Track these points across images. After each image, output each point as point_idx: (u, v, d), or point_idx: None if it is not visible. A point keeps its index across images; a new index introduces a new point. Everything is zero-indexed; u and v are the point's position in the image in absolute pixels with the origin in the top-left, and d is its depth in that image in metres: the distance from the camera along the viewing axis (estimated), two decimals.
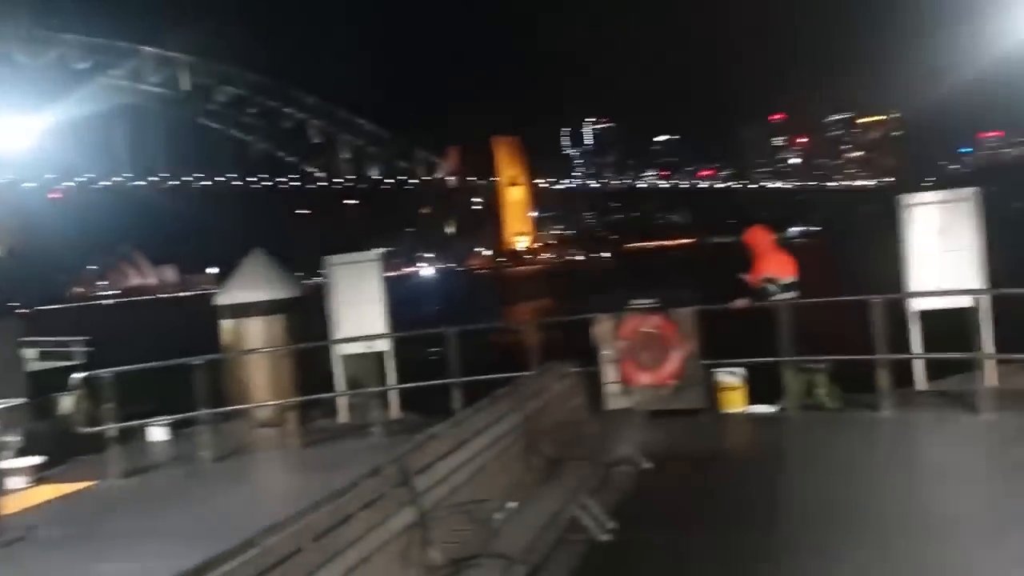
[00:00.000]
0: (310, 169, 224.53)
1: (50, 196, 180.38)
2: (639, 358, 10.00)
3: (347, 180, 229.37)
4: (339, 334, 11.76)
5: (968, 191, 10.00)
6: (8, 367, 12.25)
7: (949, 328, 9.35)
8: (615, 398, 9.96)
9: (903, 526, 5.81)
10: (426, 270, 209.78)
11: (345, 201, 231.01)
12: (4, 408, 8.13)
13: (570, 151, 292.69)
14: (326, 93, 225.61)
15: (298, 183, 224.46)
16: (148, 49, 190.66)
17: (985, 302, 9.10)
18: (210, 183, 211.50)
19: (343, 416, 11.81)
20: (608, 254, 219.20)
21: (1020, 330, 9.35)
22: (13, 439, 8.76)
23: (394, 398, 11.67)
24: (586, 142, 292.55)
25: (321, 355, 11.90)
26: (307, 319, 12.48)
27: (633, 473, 7.39)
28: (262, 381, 11.92)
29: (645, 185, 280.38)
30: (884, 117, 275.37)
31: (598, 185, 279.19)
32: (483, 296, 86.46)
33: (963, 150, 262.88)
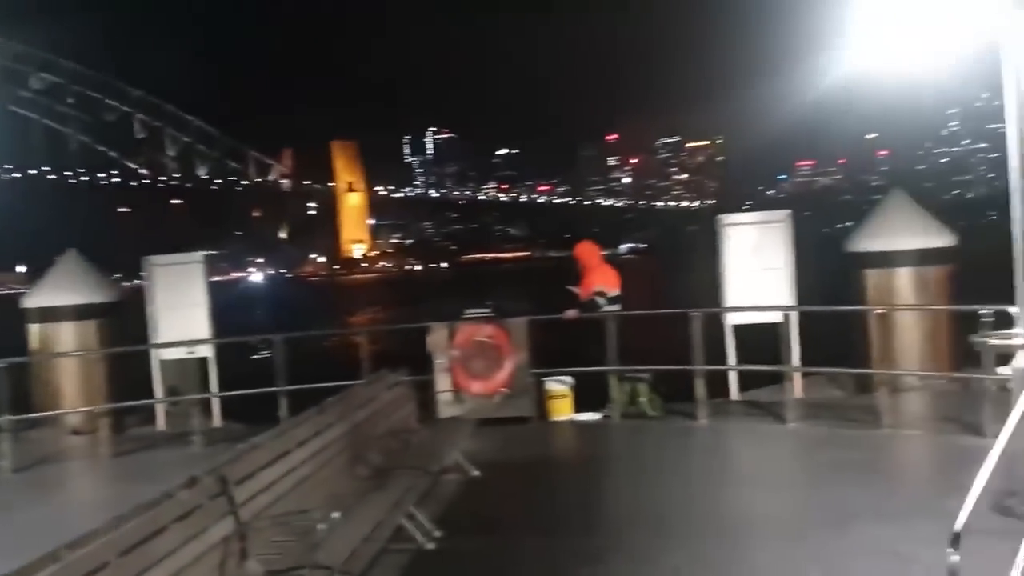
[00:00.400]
0: (133, 165, 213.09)
1: None
2: (471, 367, 10.09)
3: (173, 178, 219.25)
4: (159, 338, 11.19)
5: (780, 214, 10.75)
6: None
7: (765, 342, 9.98)
8: (447, 406, 9.99)
9: (715, 529, 6.12)
10: (256, 275, 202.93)
11: (171, 201, 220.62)
12: None
13: (411, 159, 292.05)
14: (155, 88, 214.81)
15: (120, 180, 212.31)
16: None
17: (793, 318, 9.76)
18: (19, 175, 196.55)
19: (161, 424, 11.24)
20: (446, 264, 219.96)
21: (826, 345, 10.13)
22: None
23: (216, 406, 11.21)
24: (428, 151, 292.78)
25: (139, 360, 11.29)
26: (124, 323, 11.79)
27: (461, 481, 7.45)
28: (73, 387, 11.17)
29: (485, 197, 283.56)
30: (709, 142, 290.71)
31: (438, 195, 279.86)
32: (316, 303, 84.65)
33: (780, 177, 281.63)
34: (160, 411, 11.26)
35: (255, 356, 12.98)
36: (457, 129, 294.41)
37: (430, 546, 5.77)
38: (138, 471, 9.21)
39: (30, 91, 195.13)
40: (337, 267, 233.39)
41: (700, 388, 9.54)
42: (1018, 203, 5.52)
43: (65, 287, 11.53)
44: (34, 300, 11.63)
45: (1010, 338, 5.87)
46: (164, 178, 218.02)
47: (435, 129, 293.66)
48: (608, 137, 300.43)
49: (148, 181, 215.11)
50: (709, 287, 10.79)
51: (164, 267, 11.45)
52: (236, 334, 13.53)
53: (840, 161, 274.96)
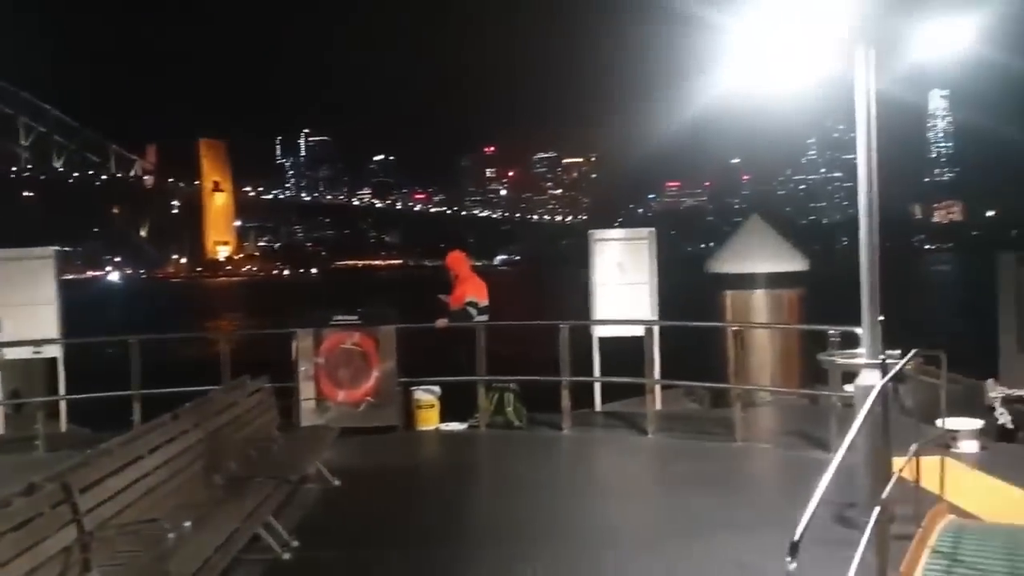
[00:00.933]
0: None
1: None
2: (337, 374, 9.92)
3: (26, 170, 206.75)
4: (1, 337, 10.50)
5: (646, 231, 11.14)
6: None
7: (629, 355, 10.24)
8: (310, 414, 9.78)
9: (573, 538, 6.23)
10: (113, 275, 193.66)
11: (23, 193, 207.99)
12: None
13: (283, 161, 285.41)
14: (10, 73, 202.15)
15: None
16: None
17: (654, 332, 10.07)
18: None
19: (0, 427, 10.54)
20: (315, 270, 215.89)
21: (685, 360, 10.49)
22: None
23: (63, 409, 10.60)
24: (301, 153, 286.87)
25: None
26: None
27: (321, 491, 7.31)
28: None
29: (359, 203, 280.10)
30: (584, 159, 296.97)
31: (310, 199, 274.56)
32: (176, 306, 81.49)
33: (650, 196, 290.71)
34: None
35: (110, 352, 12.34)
36: (332, 132, 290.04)
37: (286, 556, 5.64)
38: None
39: None
40: (200, 269, 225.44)
41: (565, 399, 9.71)
42: (865, 230, 5.88)
43: None
44: None
45: (854, 357, 6.23)
46: (15, 169, 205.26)
47: (309, 131, 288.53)
48: (486, 149, 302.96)
49: None
50: (578, 300, 11.03)
51: (9, 262, 10.77)
52: (90, 335, 12.87)
53: (706, 184, 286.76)
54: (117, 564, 4.26)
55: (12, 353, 10.43)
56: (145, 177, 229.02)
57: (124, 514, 4.48)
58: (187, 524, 4.41)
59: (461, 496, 7.42)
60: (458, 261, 10.48)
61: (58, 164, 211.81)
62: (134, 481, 4.83)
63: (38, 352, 10.42)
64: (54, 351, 10.51)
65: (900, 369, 5.46)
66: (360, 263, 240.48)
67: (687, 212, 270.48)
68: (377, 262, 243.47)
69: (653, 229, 11.19)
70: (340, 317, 10.19)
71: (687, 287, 11.83)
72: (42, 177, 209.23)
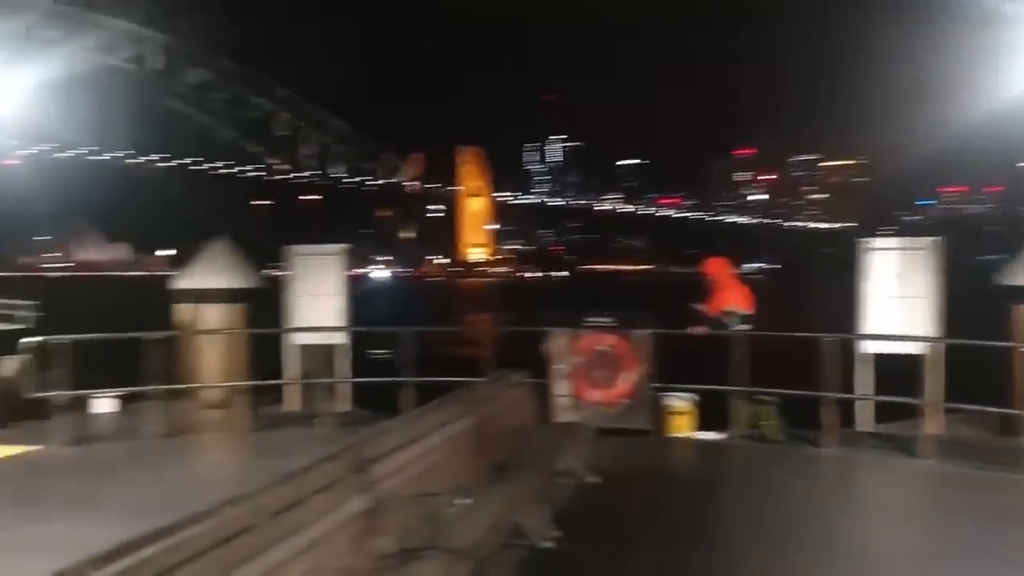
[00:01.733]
0: (271, 160, 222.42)
1: (6, 162, 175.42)
2: (592, 375, 10.11)
3: (308, 175, 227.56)
4: (295, 324, 11.69)
5: (927, 240, 10.24)
6: None
7: (899, 373, 9.59)
8: (564, 411, 10.04)
9: (832, 554, 5.99)
10: (379, 272, 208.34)
11: (302, 196, 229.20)
12: None
13: (532, 167, 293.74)
14: (297, 86, 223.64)
15: (258, 173, 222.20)
16: (119, 22, 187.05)
17: (936, 350, 9.33)
18: (172, 164, 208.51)
19: (291, 404, 11.74)
20: (565, 273, 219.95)
21: (965, 381, 9.64)
22: None
23: (344, 391, 11.62)
24: (549, 159, 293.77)
25: (272, 344, 11.82)
26: (265, 309, 12.38)
27: (578, 486, 7.49)
28: (212, 364, 11.79)
29: (606, 208, 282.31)
30: (849, 162, 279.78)
31: (559, 204, 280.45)
32: (435, 303, 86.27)
33: (922, 202, 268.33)
34: (292, 392, 11.76)
35: (373, 353, 13.35)
36: (582, 138, 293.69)
37: (547, 545, 5.84)
38: (269, 447, 9.68)
39: (184, 85, 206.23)
40: (455, 269, 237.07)
41: (828, 416, 9.26)
42: None
43: (215, 271, 12.20)
44: (185, 281, 12.33)
45: None
46: (300, 174, 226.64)
47: (560, 137, 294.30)
48: (739, 151, 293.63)
49: (284, 176, 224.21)
50: (843, 312, 10.45)
51: (306, 257, 11.97)
52: (360, 327, 14.00)
53: (991, 189, 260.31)
54: (402, 533, 4.63)
55: (303, 339, 11.60)
56: (410, 182, 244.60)
57: (407, 487, 4.86)
58: (465, 501, 4.70)
59: (719, 503, 7.34)
60: (718, 268, 10.26)
61: (336, 170, 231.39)
62: (415, 458, 5.21)
63: (325, 339, 11.50)
64: (338, 338, 11.54)
65: None
66: (606, 267, 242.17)
67: (968, 219, 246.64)
68: (624, 266, 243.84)
69: (938, 238, 10.28)
70: (594, 319, 10.38)
71: (969, 300, 10.85)
72: (322, 182, 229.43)
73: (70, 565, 2.79)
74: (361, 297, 13.10)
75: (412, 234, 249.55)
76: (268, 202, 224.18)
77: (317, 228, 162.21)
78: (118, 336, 10.25)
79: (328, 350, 11.62)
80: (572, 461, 7.48)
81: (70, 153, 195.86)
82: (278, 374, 11.69)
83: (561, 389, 10.19)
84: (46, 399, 9.84)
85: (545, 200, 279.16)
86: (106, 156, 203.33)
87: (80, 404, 10.83)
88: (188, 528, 3.25)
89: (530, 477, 6.12)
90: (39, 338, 10.30)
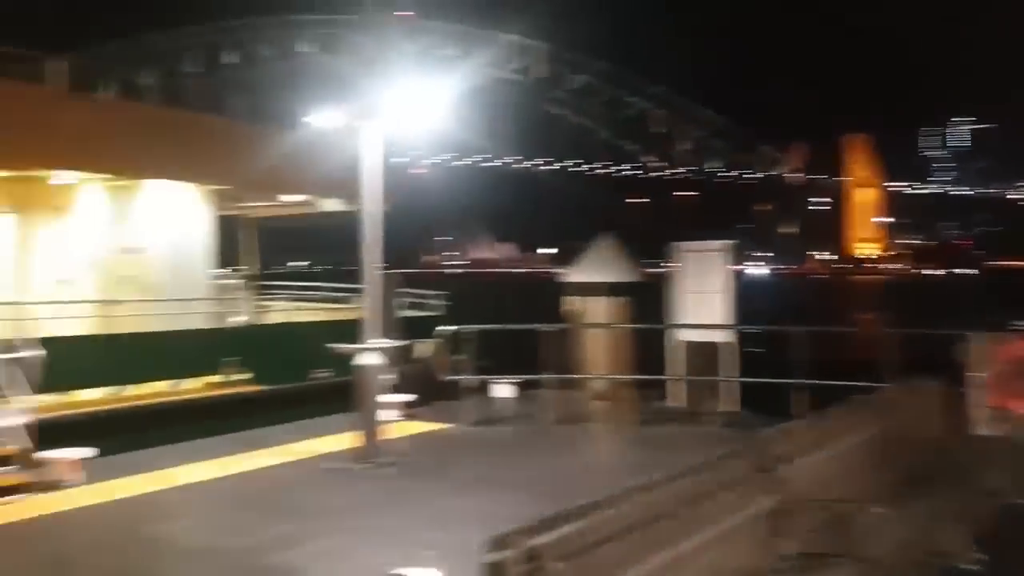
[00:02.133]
0: (646, 158, 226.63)
1: (413, 171, 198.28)
2: (1018, 384, 8.93)
3: (684, 171, 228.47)
4: (680, 320, 11.75)
5: None
6: (389, 312, 13.63)
7: None
8: (985, 424, 8.97)
9: None
10: (756, 269, 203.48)
11: (677, 192, 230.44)
12: (389, 347, 9.08)
13: (929, 153, 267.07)
14: (668, 81, 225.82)
15: (634, 171, 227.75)
16: (509, 36, 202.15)
17: None
18: (555, 167, 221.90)
19: (675, 400, 11.81)
20: (974, 271, 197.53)
21: None
22: (390, 376, 9.77)
23: (730, 391, 11.43)
24: (949, 144, 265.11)
25: (655, 339, 11.98)
26: (648, 304, 12.62)
27: (1003, 507, 6.65)
28: (600, 356, 12.26)
29: (1019, 196, 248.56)
30: None
31: (965, 192, 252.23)
32: (824, 302, 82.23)
33: None
34: (677, 388, 11.83)
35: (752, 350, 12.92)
36: (989, 118, 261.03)
37: (970, 567, 5.24)
38: (658, 441, 9.84)
39: (563, 91, 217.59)
40: (842, 266, 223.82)
41: None
42: None
43: (600, 266, 12.73)
44: (574, 276, 12.99)
45: None
46: (676, 171, 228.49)
47: (963, 119, 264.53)
48: None
49: (659, 173, 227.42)
50: None
51: (692, 253, 12.00)
52: (747, 326, 13.63)
53: None
54: (807, 535, 4.43)
55: (689, 335, 11.61)
56: (790, 175, 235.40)
57: (815, 491, 4.64)
58: (879, 510, 4.39)
59: None
60: None
61: (711, 164, 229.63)
62: (820, 462, 4.97)
63: (709, 336, 11.40)
64: (722, 336, 11.38)
65: None
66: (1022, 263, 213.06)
67: None
68: None
69: None
70: (1020, 323, 9.19)
71: None
72: (696, 178, 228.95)
73: (502, 533, 3.03)
74: (743, 294, 12.82)
75: (793, 229, 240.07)
76: (644, 199, 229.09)
77: (693, 224, 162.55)
78: (519, 327, 11.04)
79: (712, 347, 11.52)
80: (998, 480, 6.66)
81: (466, 161, 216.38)
82: (657, 369, 11.84)
83: (980, 399, 9.13)
84: (456, 382, 10.91)
85: (948, 189, 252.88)
86: (496, 162, 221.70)
87: (482, 388, 11.86)
88: (605, 509, 3.37)
89: (949, 493, 5.56)
90: (454, 327, 11.45)
